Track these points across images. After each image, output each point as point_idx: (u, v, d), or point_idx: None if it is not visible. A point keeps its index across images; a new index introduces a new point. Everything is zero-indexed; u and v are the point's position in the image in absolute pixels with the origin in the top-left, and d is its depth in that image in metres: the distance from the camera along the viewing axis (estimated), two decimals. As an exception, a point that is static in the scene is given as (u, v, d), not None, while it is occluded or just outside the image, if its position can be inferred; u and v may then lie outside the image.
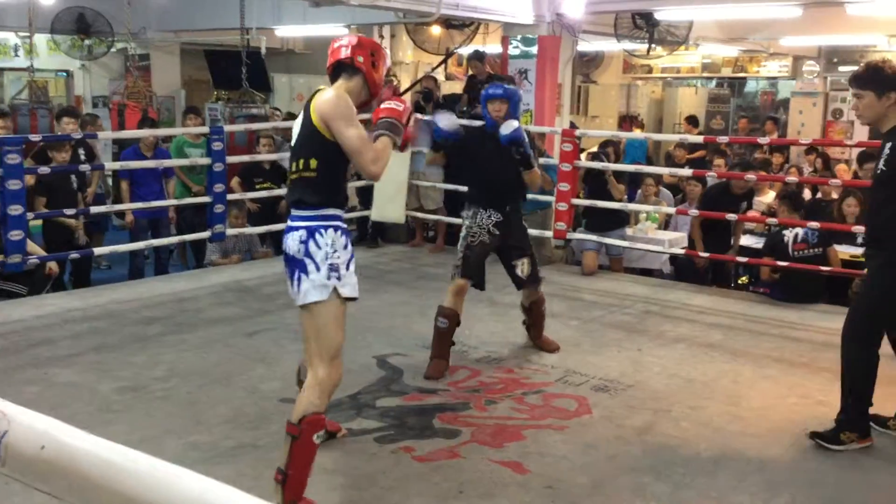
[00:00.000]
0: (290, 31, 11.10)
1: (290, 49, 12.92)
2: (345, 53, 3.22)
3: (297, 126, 3.21)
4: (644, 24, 8.70)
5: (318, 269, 3.05)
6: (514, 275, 4.93)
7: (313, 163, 3.08)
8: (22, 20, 9.60)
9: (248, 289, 6.41)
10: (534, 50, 7.72)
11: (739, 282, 6.92)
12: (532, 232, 7.21)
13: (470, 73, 8.41)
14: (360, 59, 3.21)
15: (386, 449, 3.57)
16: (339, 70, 3.25)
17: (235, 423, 3.79)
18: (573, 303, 6.15)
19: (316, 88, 3.27)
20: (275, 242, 8.17)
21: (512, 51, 7.87)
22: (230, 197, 6.96)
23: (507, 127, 4.59)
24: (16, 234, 5.49)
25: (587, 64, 13.15)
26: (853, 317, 3.71)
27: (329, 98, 3.08)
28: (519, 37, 7.81)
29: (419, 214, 7.97)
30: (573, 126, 8.27)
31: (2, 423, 0.84)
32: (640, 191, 8.24)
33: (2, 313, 5.18)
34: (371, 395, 4.18)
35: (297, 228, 3.08)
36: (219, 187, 6.70)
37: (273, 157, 7.81)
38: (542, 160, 7.19)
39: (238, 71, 9.25)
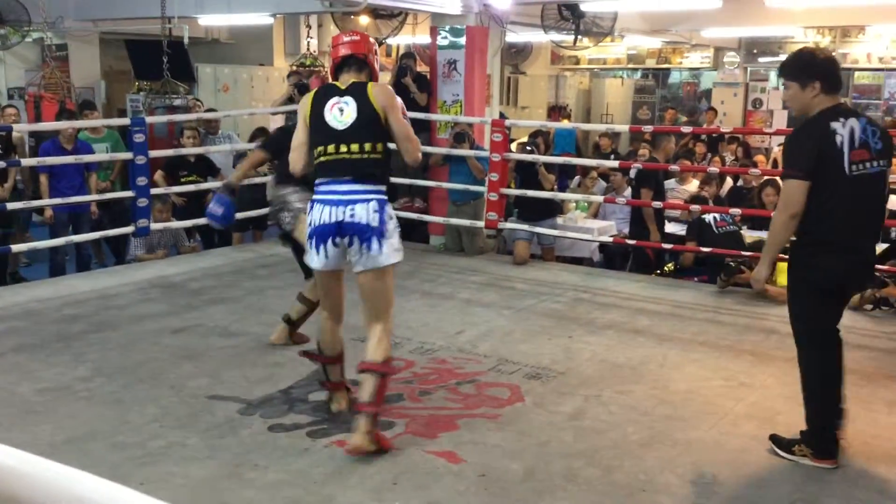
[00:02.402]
0: (213, 20, 10.86)
1: (214, 38, 12.65)
2: (359, 48, 3.64)
3: (347, 112, 3.54)
4: (570, 16, 8.79)
5: (392, 235, 3.55)
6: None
7: (379, 146, 3.57)
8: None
9: (174, 284, 6.26)
10: (462, 41, 7.73)
11: (665, 268, 7.08)
12: (464, 222, 7.30)
13: (400, 64, 8.39)
14: (370, 55, 3.68)
15: (319, 443, 3.54)
16: (346, 63, 3.66)
17: (163, 422, 3.70)
18: (505, 292, 6.20)
19: (351, 81, 3.61)
20: (203, 236, 8.01)
21: (440, 41, 7.87)
22: (154, 191, 6.78)
23: None
24: None
25: (516, 55, 13.25)
26: (793, 325, 3.52)
27: (388, 90, 3.64)
28: (447, 27, 7.81)
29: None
30: (503, 116, 8.32)
31: None
32: (578, 178, 8.36)
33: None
34: (303, 390, 4.14)
35: (366, 200, 3.47)
36: (142, 181, 6.52)
37: (199, 150, 7.64)
38: (477, 152, 7.25)
39: (160, 61, 9.01)
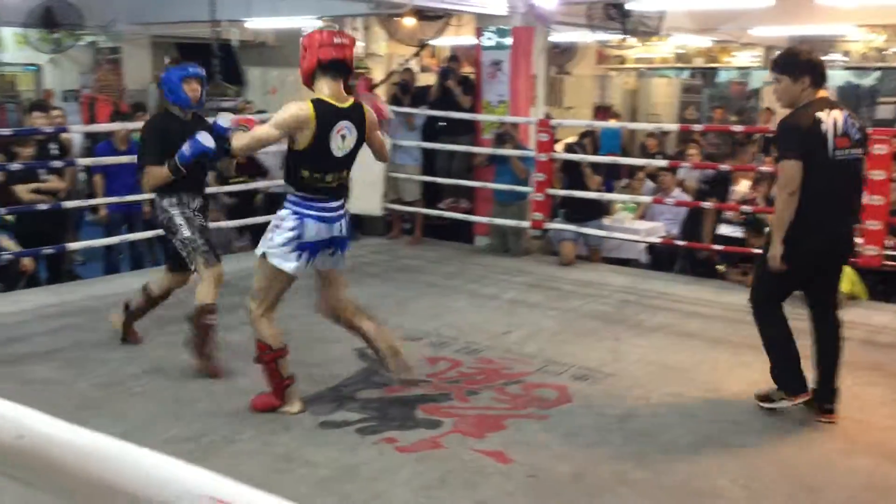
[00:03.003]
0: (260, 24, 11.00)
1: (262, 42, 12.81)
2: (352, 54, 3.65)
3: (349, 140, 3.65)
4: (617, 15, 8.73)
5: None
6: (180, 258, 4.70)
7: (349, 172, 3.81)
8: (-12, 13, 9.45)
9: (225, 283, 6.31)
10: (507, 41, 7.72)
11: (717, 269, 6.98)
12: (509, 222, 7.29)
13: (443, 65, 8.42)
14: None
15: (368, 440, 3.57)
16: (338, 68, 3.59)
17: (216, 417, 3.77)
18: (551, 293, 6.18)
19: (349, 100, 3.66)
20: (252, 236, 8.12)
21: (485, 42, 7.87)
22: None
23: (224, 120, 4.21)
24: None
25: (561, 55, 13.18)
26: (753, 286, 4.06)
27: (371, 111, 3.80)
28: (492, 28, 7.80)
29: (397, 207, 7.96)
30: (548, 117, 8.29)
31: None
32: (626, 180, 8.29)
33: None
34: (352, 388, 4.18)
35: (345, 216, 3.81)
36: (193, 181, 6.62)
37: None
38: (520, 152, 7.24)
39: (210, 64, 9.15)
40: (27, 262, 6.08)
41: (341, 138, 3.61)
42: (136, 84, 10.94)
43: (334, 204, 3.73)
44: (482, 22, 7.94)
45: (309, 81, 3.65)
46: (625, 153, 10.32)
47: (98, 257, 7.57)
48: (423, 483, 3.18)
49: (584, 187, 7.04)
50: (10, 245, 5.86)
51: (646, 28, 8.96)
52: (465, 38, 9.73)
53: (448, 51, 11.75)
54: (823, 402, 3.83)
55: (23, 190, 6.25)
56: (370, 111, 3.80)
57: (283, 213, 3.70)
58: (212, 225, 6.90)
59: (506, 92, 7.74)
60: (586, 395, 4.12)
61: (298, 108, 3.53)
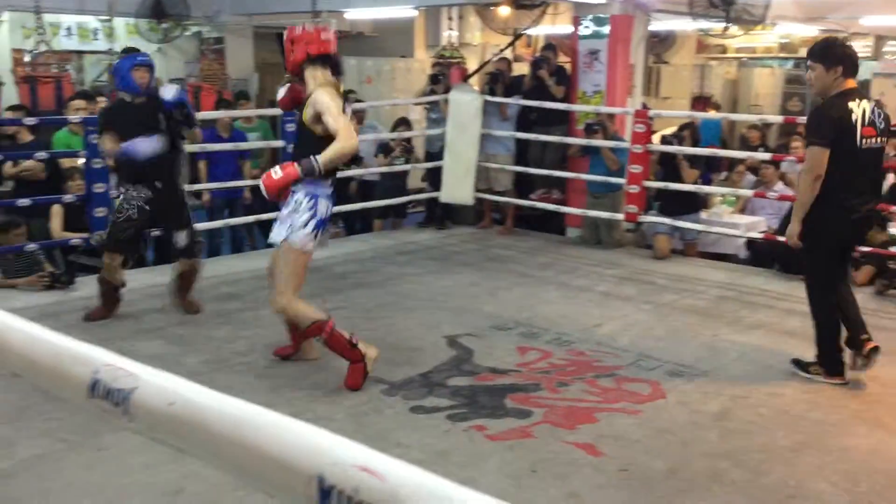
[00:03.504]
0: (359, 14, 11.15)
1: (359, 32, 12.99)
2: (335, 48, 3.91)
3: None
4: (720, 3, 8.47)
5: None
6: (172, 246, 5.07)
7: None
8: (102, 4, 9.88)
9: (319, 268, 6.48)
10: (605, 30, 7.61)
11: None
12: (602, 215, 7.19)
13: (537, 55, 8.35)
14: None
15: (458, 427, 3.60)
16: (328, 60, 3.87)
17: (312, 396, 3.87)
18: (644, 286, 6.08)
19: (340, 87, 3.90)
20: (346, 222, 8.29)
21: (583, 31, 7.78)
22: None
23: (168, 91, 4.75)
24: (100, 212, 5.68)
25: (659, 44, 12.89)
26: (806, 273, 4.35)
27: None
28: (590, 16, 7.70)
29: (488, 196, 7.96)
30: (645, 107, 8.13)
31: (130, 380, 0.89)
32: (725, 173, 8.07)
33: (87, 288, 5.36)
34: (442, 374, 4.22)
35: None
36: (291, 168, 6.79)
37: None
38: (612, 142, 7.13)
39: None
40: (136, 243, 6.34)
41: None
42: (238, 73, 11.26)
43: (328, 184, 3.95)
44: (580, 10, 7.84)
45: (297, 71, 3.91)
46: (724, 145, 10.04)
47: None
48: (514, 471, 3.19)
49: (681, 180, 6.88)
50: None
51: (750, 16, 8.65)
52: (562, 27, 9.63)
53: (543, 40, 11.65)
54: (857, 346, 4.17)
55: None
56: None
57: (297, 197, 3.87)
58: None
59: (602, 81, 7.63)
60: (681, 392, 4.05)
61: (329, 94, 3.79)
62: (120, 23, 10.74)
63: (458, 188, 7.74)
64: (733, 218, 7.47)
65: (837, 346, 4.16)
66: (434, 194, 7.97)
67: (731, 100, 14.57)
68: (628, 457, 3.35)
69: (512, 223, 8.00)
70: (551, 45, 8.78)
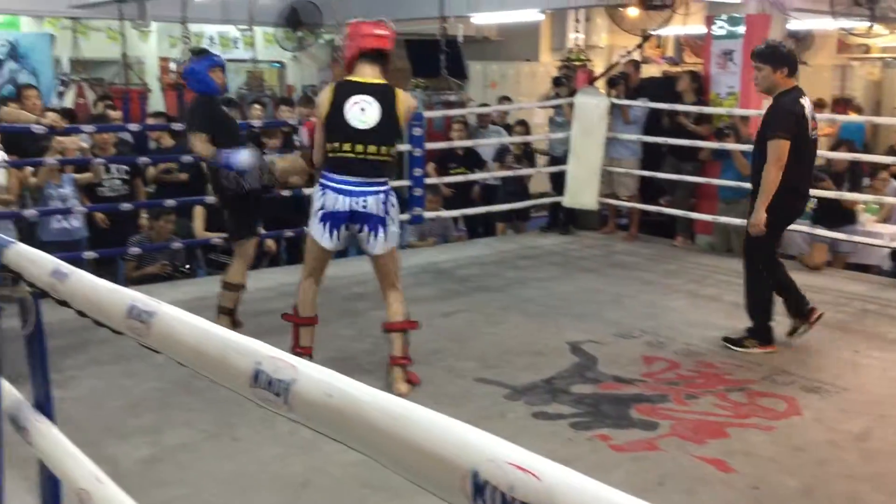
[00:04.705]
0: (486, 18, 11.21)
1: (485, 36, 13.07)
2: (388, 44, 3.86)
3: (370, 113, 3.78)
4: (864, 1, 8.01)
5: (394, 221, 3.96)
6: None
7: (393, 149, 3.93)
8: (243, 14, 10.36)
9: (443, 271, 6.58)
10: (740, 30, 7.34)
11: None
12: (734, 221, 6.92)
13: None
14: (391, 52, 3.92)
15: (582, 435, 3.55)
16: (371, 56, 3.82)
17: (436, 399, 3.91)
18: (779, 297, 5.80)
19: (375, 79, 3.85)
20: (468, 226, 8.35)
21: (716, 31, 7.53)
22: (428, 181, 7.16)
23: (243, 158, 4.45)
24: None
25: (797, 44, 12.33)
26: (749, 248, 4.67)
27: (410, 100, 3.96)
28: (724, 16, 7.45)
29: (612, 201, 7.83)
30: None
31: (290, 371, 0.93)
32: (868, 180, 7.63)
33: (209, 285, 5.61)
34: (565, 381, 4.18)
35: (376, 193, 3.83)
36: (418, 172, 6.91)
37: (468, 143, 7.95)
38: (745, 146, 6.85)
39: (436, 59, 9.48)
40: (270, 244, 6.64)
41: (360, 110, 3.78)
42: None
43: (357, 179, 3.81)
44: (713, 10, 7.61)
45: (350, 67, 3.90)
46: (867, 150, 9.48)
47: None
48: (640, 484, 3.12)
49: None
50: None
51: (898, 13, 8.15)
52: (694, 26, 9.36)
53: (673, 40, 11.37)
54: (804, 315, 4.71)
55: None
56: (405, 99, 3.91)
57: (316, 186, 3.93)
58: (430, 214, 7.21)
59: (736, 83, 7.36)
60: (818, 409, 3.85)
61: (322, 93, 3.93)
62: (258, 32, 11.24)
63: (582, 192, 7.65)
64: (876, 227, 7.05)
65: (771, 317, 4.64)
66: (557, 199, 7.91)
67: (874, 102, 13.77)
68: (760, 474, 3.21)
69: (637, 229, 7.83)
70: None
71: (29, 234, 5.88)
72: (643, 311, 5.43)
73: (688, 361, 4.48)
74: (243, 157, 4.46)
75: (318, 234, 3.93)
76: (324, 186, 3.88)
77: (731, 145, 6.87)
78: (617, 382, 4.16)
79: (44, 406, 1.76)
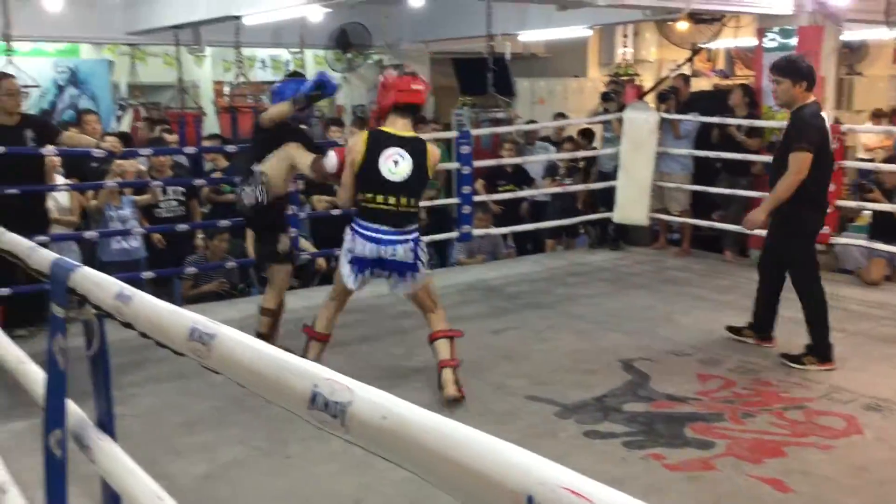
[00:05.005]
0: (533, 36, 11.25)
1: (532, 53, 13.10)
2: (422, 99, 4.02)
3: (402, 166, 3.93)
4: (922, 8, 7.83)
5: (424, 263, 4.12)
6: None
7: (420, 200, 4.12)
8: (294, 37, 10.56)
9: (492, 288, 6.58)
10: (793, 42, 7.24)
11: None
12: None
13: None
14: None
15: (635, 455, 3.51)
16: (406, 109, 3.97)
17: (485, 417, 3.90)
18: (837, 313, 5.61)
19: (408, 132, 4.00)
20: (516, 242, 8.34)
21: (768, 44, 7.44)
22: (477, 198, 7.18)
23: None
24: (291, 232, 6.04)
25: (852, 54, 12.10)
26: (793, 267, 4.66)
27: (437, 151, 4.10)
28: (776, 29, 7.35)
29: (664, 216, 7.75)
30: (838, 122, 7.64)
31: (346, 394, 0.95)
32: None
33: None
34: (617, 399, 4.14)
35: (405, 242, 3.98)
36: (466, 189, 6.94)
37: (517, 160, 7.96)
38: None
39: (483, 77, 9.53)
40: (321, 262, 6.72)
41: (393, 163, 3.92)
42: (415, 98, 11.66)
43: (387, 228, 3.96)
44: (764, 22, 7.51)
45: (383, 116, 4.04)
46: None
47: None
48: (694, 504, 3.07)
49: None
50: (308, 246, 6.51)
51: (958, 21, 7.94)
52: (744, 39, 9.26)
53: (723, 53, 11.25)
54: (763, 333, 4.89)
55: (317, 199, 6.92)
56: (434, 151, 4.07)
57: (347, 229, 4.06)
58: (479, 232, 7.23)
59: (789, 96, 7.24)
60: (879, 428, 3.75)
61: (354, 138, 4.10)
62: (308, 54, 11.43)
63: (632, 208, 7.59)
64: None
65: (828, 331, 4.55)
66: (607, 215, 7.86)
67: (936, 112, 13.39)
68: (820, 494, 3.14)
69: (689, 244, 7.74)
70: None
71: (90, 254, 6.07)
72: (696, 327, 5.36)
73: (743, 379, 4.40)
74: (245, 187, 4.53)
75: (345, 274, 4.09)
76: (354, 231, 4.03)
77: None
78: (671, 401, 4.11)
79: (106, 425, 1.81)
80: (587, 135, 8.82)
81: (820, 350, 4.54)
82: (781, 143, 4.63)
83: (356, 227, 4.03)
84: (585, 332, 5.30)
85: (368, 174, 3.96)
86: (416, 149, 3.98)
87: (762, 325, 4.89)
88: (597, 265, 7.38)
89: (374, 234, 3.97)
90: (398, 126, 4.00)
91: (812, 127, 4.42)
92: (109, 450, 1.75)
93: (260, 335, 4.78)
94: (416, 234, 4.07)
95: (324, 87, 4.36)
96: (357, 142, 4.03)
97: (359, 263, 4.03)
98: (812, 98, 4.51)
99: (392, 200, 3.96)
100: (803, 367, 4.50)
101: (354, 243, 4.01)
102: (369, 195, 3.99)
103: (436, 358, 4.16)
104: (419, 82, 4.03)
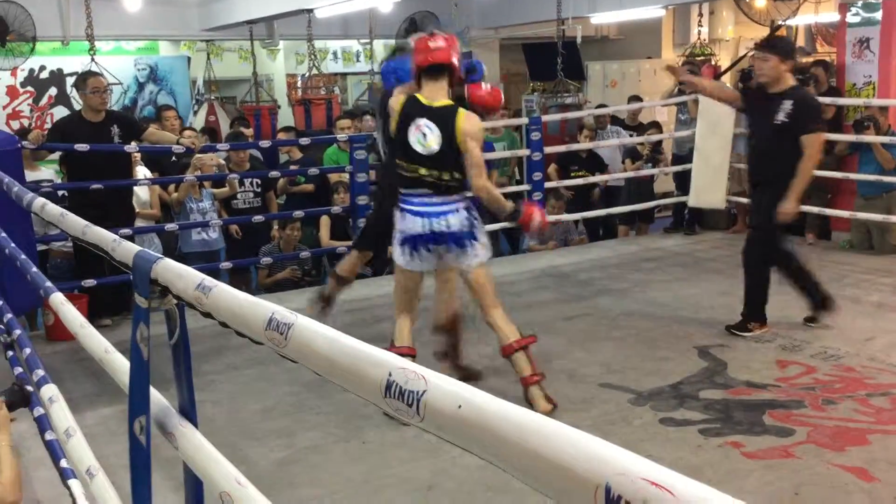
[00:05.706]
0: (605, 18, 11.06)
1: (604, 36, 12.90)
2: (444, 56, 3.63)
3: (430, 139, 3.64)
4: None
5: (481, 235, 3.85)
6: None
7: (457, 174, 3.69)
8: (364, 28, 10.65)
9: (564, 274, 6.54)
10: (877, 16, 6.95)
11: None
12: (875, 217, 6.54)
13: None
14: (455, 60, 3.69)
15: (712, 442, 3.46)
16: (430, 71, 3.65)
17: (560, 405, 3.88)
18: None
19: (438, 100, 3.67)
20: (588, 228, 8.25)
21: (851, 19, 7.16)
22: (548, 185, 7.13)
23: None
24: (362, 222, 6.12)
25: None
26: (754, 241, 4.88)
27: (475, 121, 3.67)
28: (860, 3, 7.06)
29: (742, 199, 7.54)
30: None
31: (420, 383, 0.97)
32: None
33: (351, 292, 5.79)
34: (693, 386, 4.07)
35: (456, 210, 3.71)
36: (537, 176, 6.90)
37: (589, 145, 7.87)
38: (887, 138, 6.47)
39: (553, 62, 9.43)
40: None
41: (422, 135, 3.66)
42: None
43: (433, 199, 3.71)
44: (847, -4, 7.22)
45: (417, 83, 3.77)
46: None
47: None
48: (775, 493, 3.01)
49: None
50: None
51: None
52: (826, 14, 8.93)
53: (804, 30, 10.86)
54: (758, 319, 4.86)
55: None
56: (469, 121, 3.63)
57: (395, 211, 3.86)
58: (552, 218, 7.17)
59: (874, 72, 6.97)
60: (972, 417, 3.59)
61: (394, 99, 3.81)
62: (378, 45, 11.51)
63: (708, 191, 7.41)
64: None
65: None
66: (682, 199, 7.71)
67: None
68: (908, 486, 3.03)
69: (768, 228, 7.51)
70: (824, 63, 8.15)
71: (171, 245, 6.28)
72: (776, 313, 5.19)
73: (825, 366, 4.27)
74: None
75: (398, 256, 3.85)
76: (401, 209, 3.80)
77: (870, 137, 6.50)
78: (749, 387, 4.02)
79: (188, 412, 1.88)
80: (655, 124, 8.62)
81: (757, 314, 4.77)
82: (787, 123, 4.43)
83: (402, 205, 3.79)
84: (660, 318, 5.22)
85: (400, 141, 3.74)
86: (444, 120, 3.64)
87: (757, 311, 4.85)
88: (671, 250, 7.25)
89: (420, 208, 3.72)
90: (428, 92, 3.69)
91: (819, 108, 4.55)
92: (191, 436, 1.82)
93: (321, 294, 4.98)
94: (466, 202, 3.77)
95: (473, 72, 4.18)
96: (396, 102, 3.79)
97: (411, 242, 3.76)
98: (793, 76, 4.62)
99: (424, 171, 3.70)
100: (749, 334, 4.72)
101: (404, 222, 3.77)
102: (403, 163, 3.75)
103: (517, 374, 3.87)
104: (438, 39, 3.66)
